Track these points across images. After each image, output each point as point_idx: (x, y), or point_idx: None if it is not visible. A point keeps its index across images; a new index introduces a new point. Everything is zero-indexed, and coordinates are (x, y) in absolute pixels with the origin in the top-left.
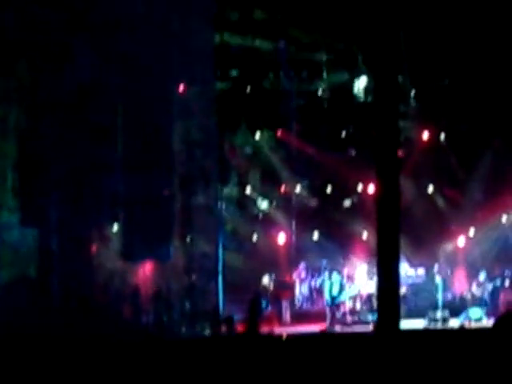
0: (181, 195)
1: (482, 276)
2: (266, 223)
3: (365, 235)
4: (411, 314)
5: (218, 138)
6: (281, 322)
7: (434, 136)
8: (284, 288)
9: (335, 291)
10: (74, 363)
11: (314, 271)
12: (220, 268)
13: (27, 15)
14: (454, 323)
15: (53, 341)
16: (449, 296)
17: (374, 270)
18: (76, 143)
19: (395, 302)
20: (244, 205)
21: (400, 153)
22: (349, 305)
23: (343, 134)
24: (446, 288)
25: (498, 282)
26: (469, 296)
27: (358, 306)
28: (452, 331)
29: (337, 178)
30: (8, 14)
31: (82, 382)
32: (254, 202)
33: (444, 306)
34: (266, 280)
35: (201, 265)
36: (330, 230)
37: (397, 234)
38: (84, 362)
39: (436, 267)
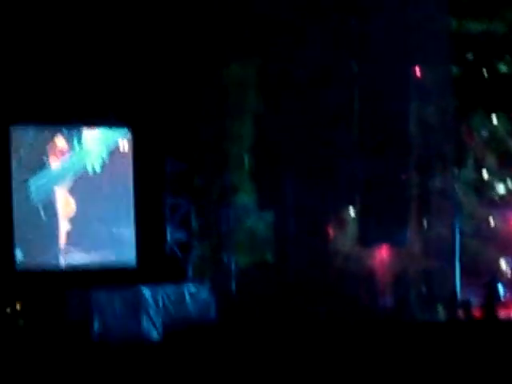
0: (417, 179)
1: None
2: (504, 207)
3: None
4: None
5: (455, 122)
6: None
7: None
8: None
9: None
10: (309, 344)
11: None
12: (457, 252)
13: None
14: None
15: (291, 324)
16: None
17: None
18: (312, 127)
19: None
20: (481, 188)
21: None
22: None
23: None
24: None
25: None
26: None
27: None
28: None
29: None
30: None
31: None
32: (491, 185)
33: None
34: (503, 264)
35: (437, 249)
36: None
37: None
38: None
39: None
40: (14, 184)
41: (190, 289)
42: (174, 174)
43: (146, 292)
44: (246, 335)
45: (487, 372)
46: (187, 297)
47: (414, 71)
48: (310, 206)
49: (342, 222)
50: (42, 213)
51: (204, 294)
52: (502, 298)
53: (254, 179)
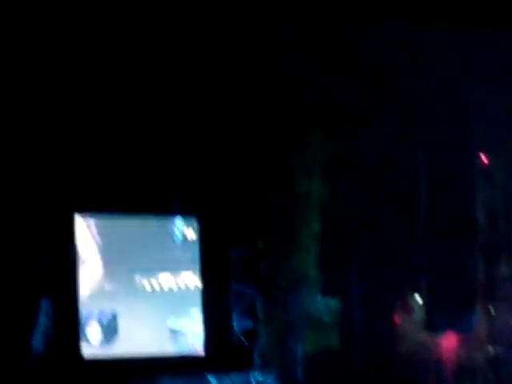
0: (483, 265)
1: None
2: None
3: None
4: None
5: None
6: None
7: None
8: None
9: None
10: None
11: None
12: None
13: (325, 80)
14: None
15: None
16: None
17: None
18: (377, 213)
19: None
20: None
21: None
22: None
23: None
24: None
25: None
26: None
27: None
28: None
29: None
30: (303, 79)
31: None
32: None
33: None
34: None
35: (504, 336)
36: None
37: None
38: None
39: None
40: None
41: (256, 377)
42: (239, 261)
43: (213, 380)
44: None
45: None
46: None
47: (480, 157)
48: (375, 292)
49: (407, 308)
50: None
51: (270, 381)
52: None
53: (320, 266)
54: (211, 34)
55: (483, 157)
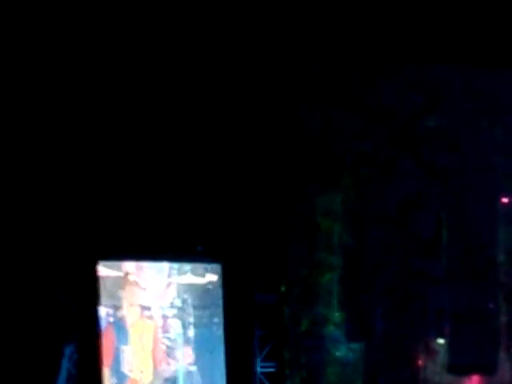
0: (506, 307)
1: None
2: None
3: None
4: None
5: None
6: None
7: None
8: None
9: None
10: None
11: None
12: None
13: (347, 126)
14: None
15: None
16: None
17: None
18: (400, 256)
19: None
20: None
21: None
22: None
23: None
24: None
25: None
26: None
27: None
28: None
29: None
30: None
31: None
32: None
33: None
34: None
35: None
36: None
37: None
38: None
39: None
40: None
41: None
42: (262, 306)
43: None
44: None
45: None
46: None
47: (501, 199)
48: (399, 336)
49: (431, 351)
50: None
51: None
52: None
53: (344, 310)
54: (237, 81)
55: (504, 198)
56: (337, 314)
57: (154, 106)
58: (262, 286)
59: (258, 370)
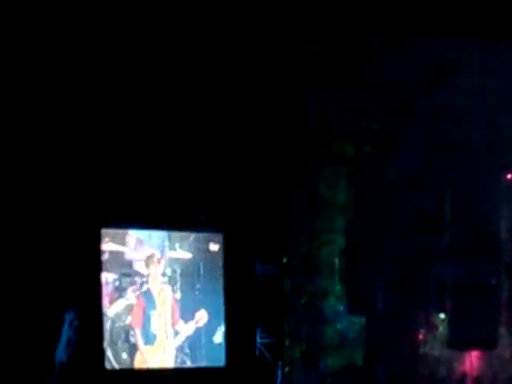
0: (507, 283)
1: None
2: None
3: None
4: None
5: None
6: None
7: None
8: None
9: None
10: None
11: None
12: None
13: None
14: None
15: None
16: None
17: None
18: (402, 230)
19: None
20: None
21: None
22: None
23: None
24: None
25: None
26: None
27: None
28: None
29: None
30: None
31: None
32: None
33: None
34: None
35: None
36: None
37: None
38: None
39: None
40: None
41: None
42: (264, 277)
43: None
44: None
45: None
46: None
47: (505, 176)
48: (399, 310)
49: (431, 326)
50: None
51: None
52: None
53: (345, 283)
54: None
55: (508, 175)
56: (338, 287)
57: (154, 79)
58: (264, 257)
59: (258, 340)
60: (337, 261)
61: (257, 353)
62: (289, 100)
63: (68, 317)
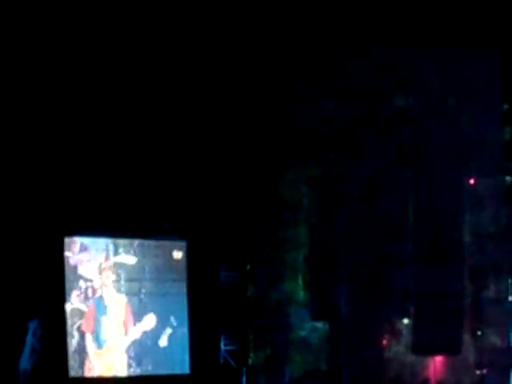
0: (471, 288)
1: None
2: None
3: None
4: None
5: (509, 231)
6: None
7: None
8: None
9: None
10: None
11: None
12: None
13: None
14: None
15: None
16: None
17: None
18: (365, 237)
19: None
20: None
21: None
22: None
23: None
24: None
25: None
26: None
27: None
28: None
29: None
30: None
31: None
32: None
33: None
34: None
35: (492, 359)
36: None
37: None
38: None
39: None
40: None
41: None
42: (228, 284)
43: None
44: None
45: None
46: None
47: (468, 181)
48: (363, 316)
49: (395, 332)
50: None
51: None
52: None
53: (309, 289)
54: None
55: (470, 180)
56: (302, 293)
57: (127, 85)
58: (228, 264)
59: (223, 347)
60: (300, 267)
61: (221, 359)
62: (252, 106)
63: (32, 325)
